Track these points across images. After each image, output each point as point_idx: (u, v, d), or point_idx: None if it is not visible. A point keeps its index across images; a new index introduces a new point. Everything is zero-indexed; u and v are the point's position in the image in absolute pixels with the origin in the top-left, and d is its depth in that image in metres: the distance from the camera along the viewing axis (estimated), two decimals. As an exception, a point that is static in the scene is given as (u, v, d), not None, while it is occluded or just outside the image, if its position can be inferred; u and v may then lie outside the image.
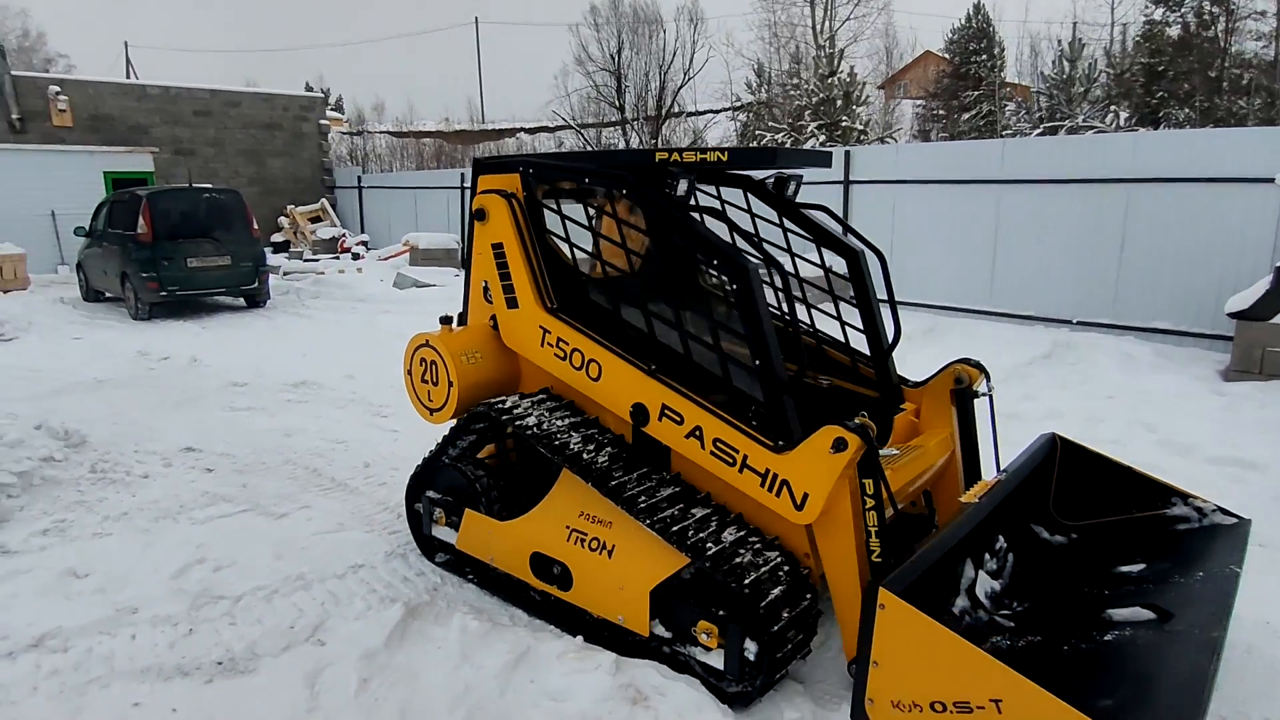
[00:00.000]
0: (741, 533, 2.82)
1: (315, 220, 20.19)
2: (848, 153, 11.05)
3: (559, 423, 3.24)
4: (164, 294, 11.14)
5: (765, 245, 3.39)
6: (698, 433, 2.90)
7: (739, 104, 34.42)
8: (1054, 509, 3.50)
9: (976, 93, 24.74)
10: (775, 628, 2.56)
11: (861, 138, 18.48)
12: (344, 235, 19.27)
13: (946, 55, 31.77)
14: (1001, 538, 3.21)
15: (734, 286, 2.84)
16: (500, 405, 3.33)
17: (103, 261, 12.13)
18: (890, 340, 3.53)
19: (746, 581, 2.58)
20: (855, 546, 2.63)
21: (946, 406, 3.44)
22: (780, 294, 3.91)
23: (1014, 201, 9.52)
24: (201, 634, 3.16)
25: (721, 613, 2.68)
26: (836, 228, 3.84)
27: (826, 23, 30.33)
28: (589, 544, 3.04)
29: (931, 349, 8.67)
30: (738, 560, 2.67)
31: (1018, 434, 5.76)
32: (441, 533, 3.67)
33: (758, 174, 3.76)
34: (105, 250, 11.93)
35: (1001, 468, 3.50)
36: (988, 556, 3.13)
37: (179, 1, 68.43)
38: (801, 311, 3.91)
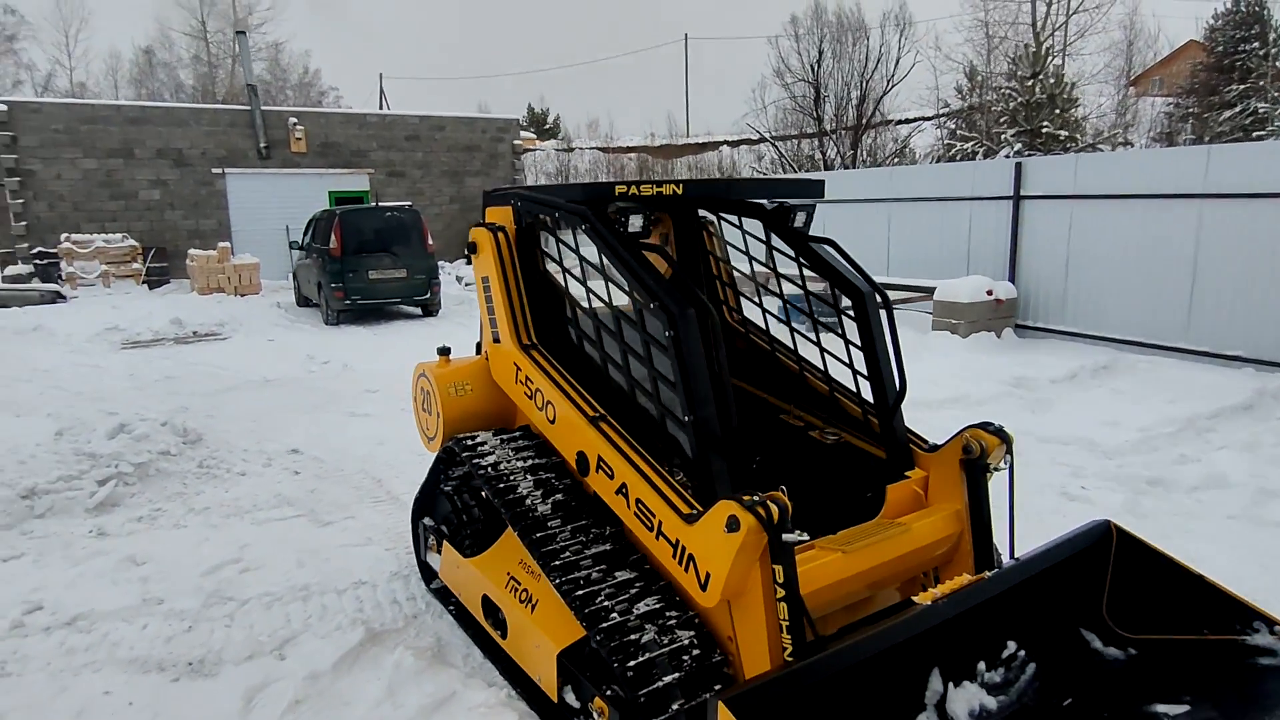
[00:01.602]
0: (660, 605, 2.57)
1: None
2: (1019, 165, 9.90)
3: (518, 464, 3.15)
4: (348, 302, 12.43)
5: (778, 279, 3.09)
6: (624, 490, 2.69)
7: (945, 110, 32.26)
8: (1108, 615, 2.86)
9: (1242, 86, 21.23)
10: (658, 720, 2.29)
11: (1070, 144, 16.53)
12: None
13: (1206, 46, 27.69)
14: (1014, 644, 2.66)
15: (667, 332, 2.60)
16: (466, 441, 3.31)
17: (307, 272, 13.79)
18: (895, 395, 3.07)
19: (632, 664, 2.34)
20: (769, 641, 2.30)
21: (957, 478, 2.92)
22: (794, 334, 3.59)
23: (1220, 219, 8.01)
24: (197, 632, 3.43)
25: (609, 692, 2.45)
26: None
27: (1049, 18, 27.60)
28: (519, 594, 2.93)
29: (1095, 390, 7.56)
30: (634, 637, 2.43)
31: (1152, 504, 4.83)
32: (433, 560, 3.72)
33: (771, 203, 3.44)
34: (310, 262, 13.54)
35: (1016, 556, 2.94)
36: (983, 666, 2.60)
37: (427, 36, 76.52)
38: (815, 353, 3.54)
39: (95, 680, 3.08)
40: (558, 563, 2.68)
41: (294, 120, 19.01)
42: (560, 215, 3.13)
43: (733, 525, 2.20)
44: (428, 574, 3.84)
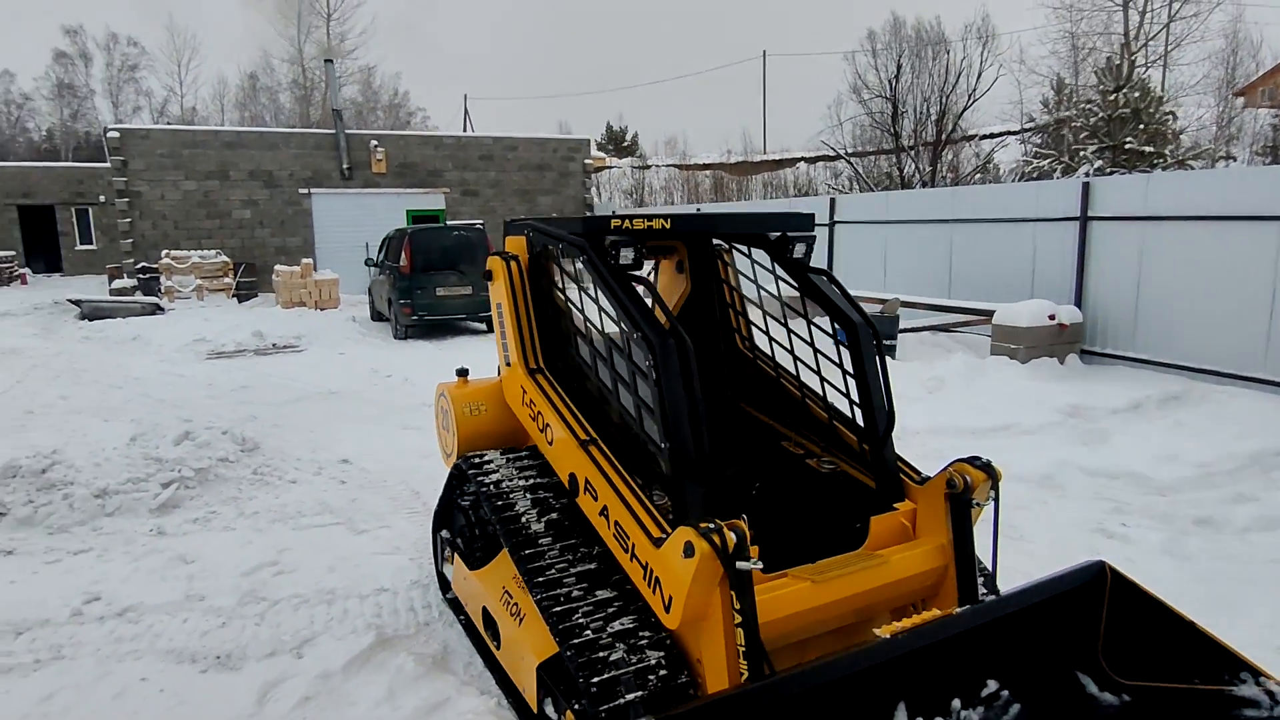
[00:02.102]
0: (634, 625, 2.66)
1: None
2: (1086, 185, 9.56)
3: (520, 482, 3.30)
4: (415, 318, 12.96)
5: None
6: (605, 512, 2.80)
7: (1030, 125, 31.29)
8: (1104, 659, 2.80)
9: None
10: (619, 736, 2.38)
11: (1157, 161, 15.79)
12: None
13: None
14: (996, 683, 2.64)
15: (647, 361, 2.71)
16: (474, 459, 3.48)
17: (380, 288, 14.44)
18: (884, 425, 3.08)
19: (597, 680, 2.44)
20: (728, 666, 2.36)
21: (943, 512, 2.91)
22: (797, 361, 3.63)
23: (1302, 244, 7.56)
24: (229, 629, 3.71)
25: (576, 706, 2.55)
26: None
27: (1142, 27, 26.47)
28: (511, 608, 3.07)
29: (1159, 422, 7.24)
30: (602, 654, 2.52)
31: (1196, 545, 4.61)
32: (449, 571, 3.90)
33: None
34: (383, 278, 14.18)
35: (999, 593, 2.92)
36: (958, 704, 2.59)
37: (512, 59, 78.84)
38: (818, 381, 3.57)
39: (136, 667, 3.38)
40: (541, 579, 2.81)
41: (375, 142, 19.95)
42: (563, 246, 3.29)
43: (688, 551, 2.28)
44: (444, 584, 4.03)
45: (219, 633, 3.67)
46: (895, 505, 3.03)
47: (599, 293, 3.04)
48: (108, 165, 17.98)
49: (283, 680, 3.24)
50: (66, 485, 5.04)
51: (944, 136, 28.07)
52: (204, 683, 3.28)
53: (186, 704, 3.13)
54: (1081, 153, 15.98)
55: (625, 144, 70.12)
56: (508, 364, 3.64)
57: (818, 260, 14.09)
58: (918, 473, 3.16)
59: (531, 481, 3.31)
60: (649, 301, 2.93)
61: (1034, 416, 7.29)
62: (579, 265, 3.29)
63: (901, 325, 10.66)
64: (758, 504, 3.65)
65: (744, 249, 3.83)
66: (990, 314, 9.60)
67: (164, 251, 17.26)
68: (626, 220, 3.04)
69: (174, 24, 62.33)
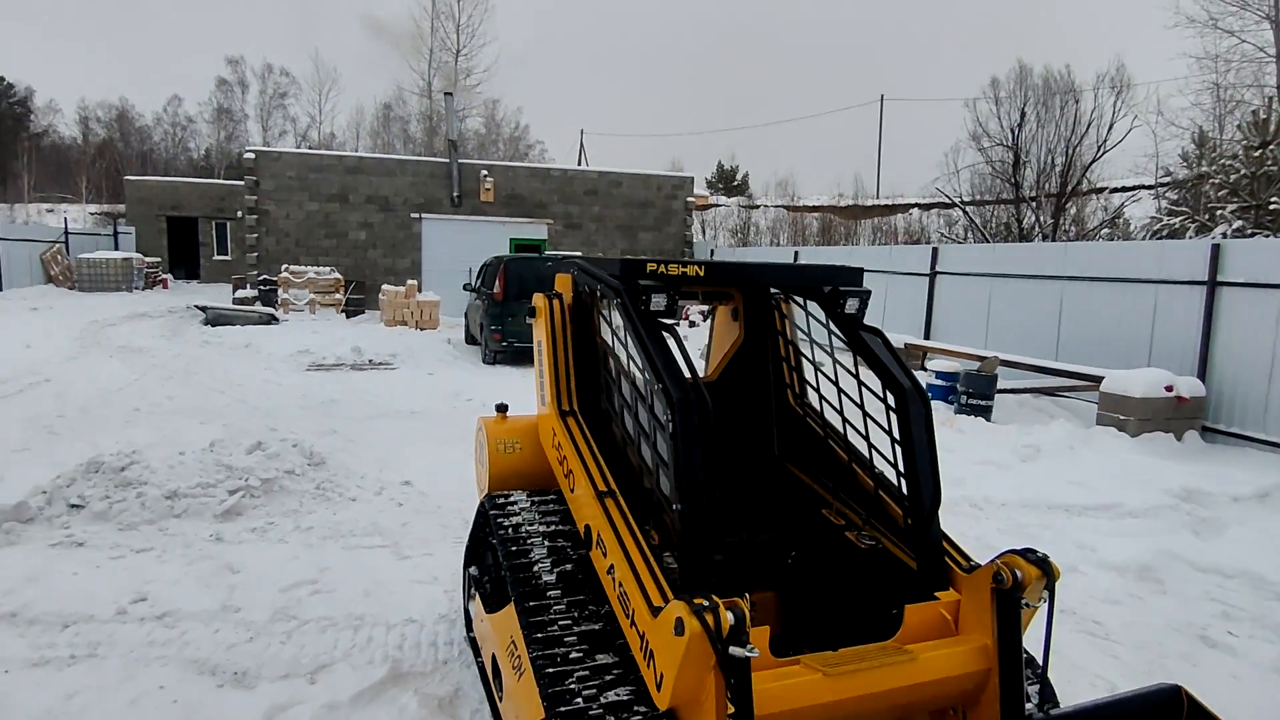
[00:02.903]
0: (630, 697, 2.47)
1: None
2: (1215, 246, 8.75)
3: (540, 528, 3.19)
4: (504, 344, 13.20)
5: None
6: (611, 571, 2.64)
7: (1166, 180, 29.37)
8: None
9: None
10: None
11: (1309, 224, 14.35)
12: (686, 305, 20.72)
13: None
14: None
15: (666, 415, 2.55)
16: (499, 499, 3.39)
17: (475, 313, 14.82)
18: (930, 502, 2.79)
19: (576, 754, 2.26)
20: (718, 757, 2.14)
21: (988, 608, 2.59)
22: (846, 424, 3.37)
23: None
24: (256, 644, 3.74)
25: (558, 781, 2.37)
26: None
27: (1301, 80, 24.48)
28: (514, 660, 2.93)
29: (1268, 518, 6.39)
30: (587, 726, 2.35)
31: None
32: (472, 607, 3.82)
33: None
34: (478, 303, 14.56)
35: (1056, 704, 2.57)
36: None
37: (627, 95, 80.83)
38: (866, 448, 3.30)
39: (159, 673, 3.44)
40: (539, 635, 2.66)
41: (485, 172, 20.70)
42: (600, 288, 3.19)
43: (679, 629, 2.09)
44: (469, 620, 3.94)
45: (244, 647, 3.70)
46: (937, 594, 2.73)
47: (628, 339, 2.91)
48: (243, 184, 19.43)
49: (291, 705, 3.22)
50: (141, 485, 5.30)
51: (1069, 188, 26.65)
52: (216, 698, 3.29)
53: (195, 718, 3.14)
54: (1220, 211, 14.73)
55: (735, 183, 70.31)
56: (542, 404, 3.55)
57: (915, 312, 13.55)
58: (967, 559, 2.85)
59: (552, 528, 3.19)
60: (679, 354, 2.78)
61: (1141, 497, 6.61)
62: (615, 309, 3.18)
63: (1001, 385, 10.02)
64: (791, 576, 3.39)
65: (799, 300, 3.63)
66: (1099, 380, 8.87)
67: (284, 266, 18.38)
68: (662, 265, 2.91)
69: (319, 56, 67.45)
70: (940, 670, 2.47)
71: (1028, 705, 2.53)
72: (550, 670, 2.53)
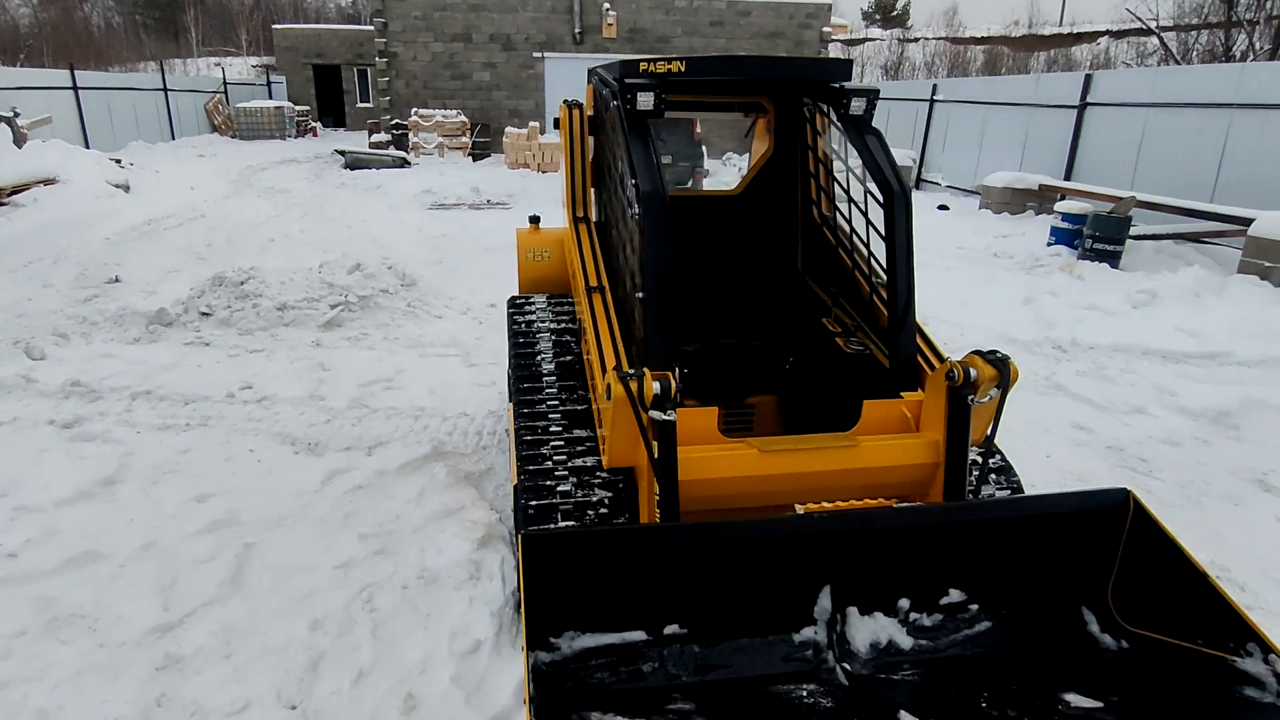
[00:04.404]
0: (597, 464, 2.76)
1: (799, 129, 21.07)
2: None
3: (551, 325, 3.45)
4: (613, 183, 13.30)
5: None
6: (588, 354, 2.86)
7: None
8: (1113, 600, 2.46)
9: None
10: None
11: None
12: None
13: None
14: (962, 594, 2.44)
15: (633, 209, 2.65)
16: (520, 300, 3.66)
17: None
18: (901, 304, 2.78)
19: (535, 502, 2.59)
20: (645, 512, 2.41)
21: (942, 406, 2.61)
22: (853, 232, 3.32)
23: None
24: (332, 425, 4.33)
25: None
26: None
27: None
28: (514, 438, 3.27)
29: None
30: (550, 483, 2.66)
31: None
32: (512, 404, 4.21)
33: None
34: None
35: (982, 494, 2.64)
36: (906, 604, 2.41)
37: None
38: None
39: (252, 441, 4.10)
40: (526, 410, 2.97)
41: (607, 5, 19.98)
42: (607, 92, 3.21)
43: (608, 395, 2.30)
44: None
45: (322, 426, 4.31)
46: (903, 394, 2.77)
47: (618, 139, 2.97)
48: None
49: (349, 470, 3.78)
50: (256, 297, 6.01)
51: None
52: (292, 461, 3.91)
53: (272, 474, 3.77)
54: None
55: (894, 13, 63.75)
56: (564, 209, 3.71)
57: (1058, 150, 12.26)
58: (942, 360, 2.85)
59: (561, 326, 3.44)
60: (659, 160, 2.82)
61: (1258, 349, 6.05)
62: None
63: (1139, 231, 9.14)
64: (788, 380, 3.50)
65: (824, 108, 3.50)
66: (1248, 223, 7.90)
67: (413, 110, 18.96)
68: (650, 64, 2.90)
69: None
70: (881, 459, 2.57)
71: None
72: (529, 438, 2.85)
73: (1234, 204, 8.97)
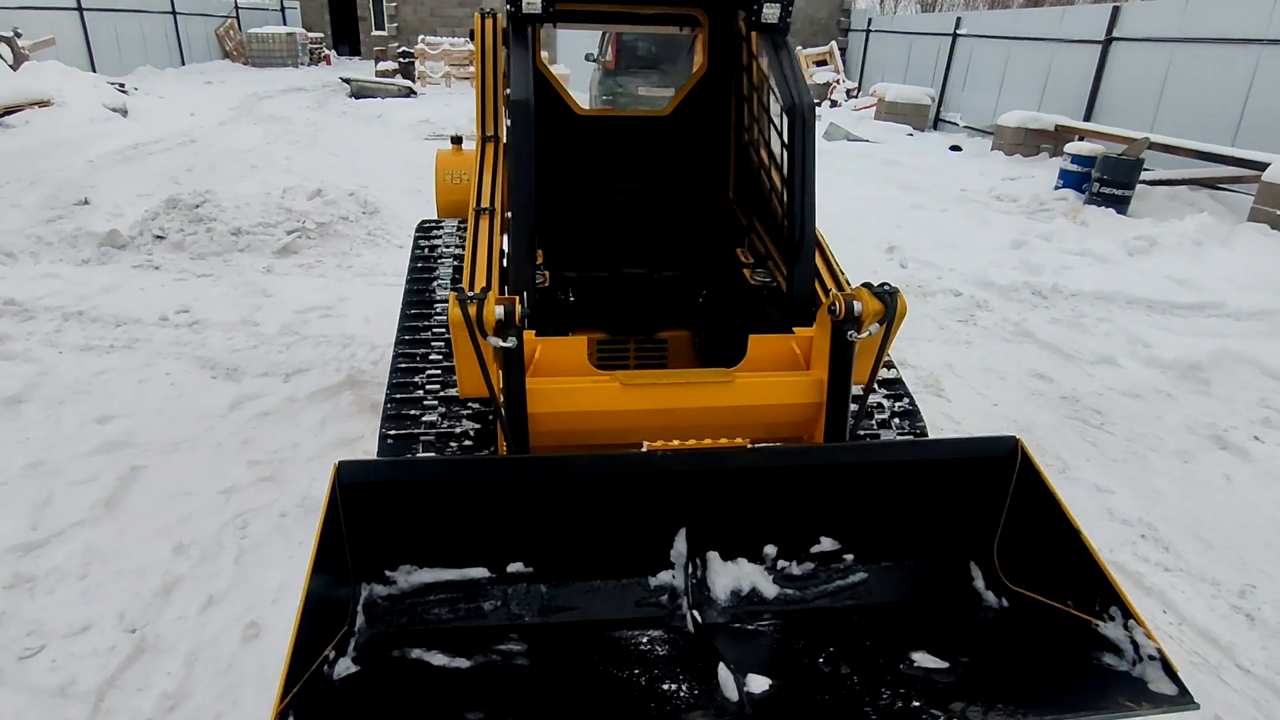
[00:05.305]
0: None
1: (820, 64, 20.27)
2: None
3: (456, 251, 3.29)
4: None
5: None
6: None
7: None
8: (998, 557, 2.30)
9: None
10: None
11: None
12: (835, 82, 19.02)
13: None
14: (835, 543, 2.29)
15: (507, 121, 2.46)
16: (429, 224, 3.50)
17: (594, 85, 14.44)
18: (797, 235, 2.57)
19: (394, 432, 2.48)
20: (498, 444, 2.28)
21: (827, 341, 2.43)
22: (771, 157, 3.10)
23: None
24: (258, 351, 4.24)
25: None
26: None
27: None
28: (409, 366, 3.15)
29: None
30: (415, 412, 2.55)
31: None
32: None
33: None
34: (596, 75, 14.15)
35: (859, 436, 2.49)
36: (773, 551, 2.27)
37: None
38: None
39: (172, 365, 4.03)
40: (407, 337, 2.84)
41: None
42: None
43: (447, 315, 2.15)
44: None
45: (248, 352, 4.22)
46: (796, 329, 2.59)
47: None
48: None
49: (259, 396, 3.70)
50: (211, 221, 5.90)
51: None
52: (206, 385, 3.83)
53: (182, 398, 3.70)
54: None
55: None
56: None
57: (1079, 88, 11.63)
58: (842, 289, 2.65)
59: (461, 252, 3.27)
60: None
61: (1251, 300, 5.74)
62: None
63: (1153, 176, 8.68)
64: (701, 314, 3.32)
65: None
66: (1263, 168, 7.44)
67: (420, 37, 18.49)
68: (540, -38, 2.66)
69: None
70: (757, 397, 2.40)
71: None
72: (403, 365, 2.72)
73: (1256, 148, 8.44)
